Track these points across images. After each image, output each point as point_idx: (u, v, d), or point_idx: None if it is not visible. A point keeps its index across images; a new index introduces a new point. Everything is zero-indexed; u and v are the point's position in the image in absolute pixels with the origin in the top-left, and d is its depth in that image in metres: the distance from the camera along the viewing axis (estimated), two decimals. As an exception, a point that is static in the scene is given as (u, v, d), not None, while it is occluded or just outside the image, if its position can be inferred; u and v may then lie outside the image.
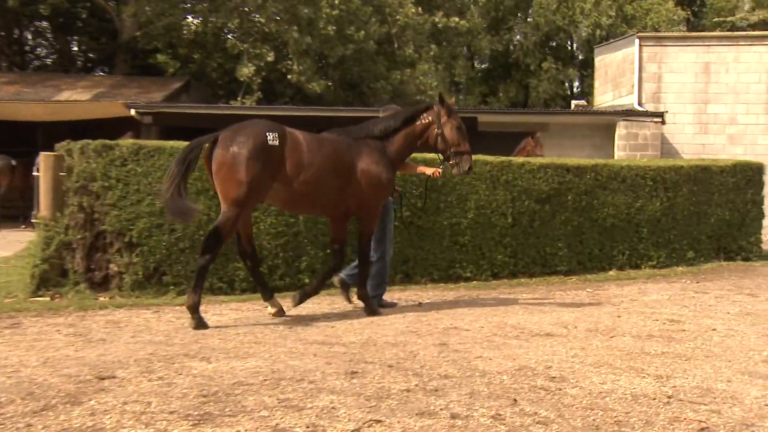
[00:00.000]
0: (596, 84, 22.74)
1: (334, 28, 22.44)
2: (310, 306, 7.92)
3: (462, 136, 7.42)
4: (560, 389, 4.70)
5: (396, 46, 25.11)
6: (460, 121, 7.49)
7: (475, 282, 9.98)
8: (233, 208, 6.47)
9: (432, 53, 26.67)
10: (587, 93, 32.51)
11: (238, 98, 22.59)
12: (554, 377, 4.97)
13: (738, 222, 12.60)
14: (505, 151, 13.76)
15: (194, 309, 6.52)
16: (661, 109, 18.50)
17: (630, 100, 19.54)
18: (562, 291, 9.36)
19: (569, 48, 36.52)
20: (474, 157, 10.32)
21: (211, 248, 6.44)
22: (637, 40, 19.46)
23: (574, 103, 22.30)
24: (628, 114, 17.83)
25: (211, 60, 25.51)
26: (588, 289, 9.51)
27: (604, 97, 21.80)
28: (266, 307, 7.72)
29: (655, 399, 4.55)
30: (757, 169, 12.96)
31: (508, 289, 9.57)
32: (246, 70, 21.99)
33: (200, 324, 6.51)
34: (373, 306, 7.41)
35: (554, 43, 35.63)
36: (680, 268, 11.68)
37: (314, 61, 23.61)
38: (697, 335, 6.53)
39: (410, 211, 9.59)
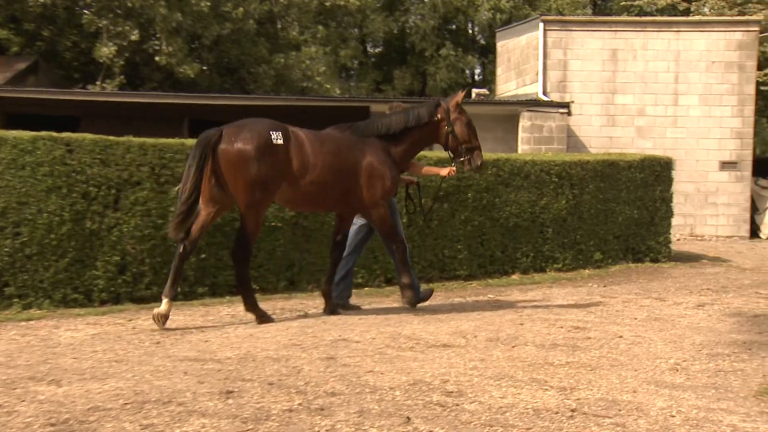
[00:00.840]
0: (498, 71, 23.32)
1: (209, 4, 22.08)
2: (181, 318, 7.76)
3: (472, 132, 8.20)
4: (457, 405, 4.79)
5: (279, 26, 24.95)
6: (469, 116, 8.25)
7: (367, 288, 10.04)
8: (252, 210, 7.28)
9: (319, 35, 26.64)
10: (489, 81, 33.31)
11: (98, 82, 21.88)
12: (451, 392, 5.06)
13: (647, 221, 13.18)
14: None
15: (256, 313, 7.47)
16: (567, 99, 19.15)
17: (534, 89, 20.14)
18: (462, 297, 9.54)
19: (470, 32, 37.29)
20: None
21: (243, 255, 7.30)
22: (541, 24, 20.07)
23: (474, 92, 22.76)
24: (533, 104, 18.38)
25: (64, 38, 24.59)
26: (489, 295, 9.73)
27: (507, 86, 22.38)
28: (136, 316, 7.51)
29: (558, 413, 4.70)
30: (666, 164, 13.58)
31: (404, 296, 9.68)
32: (106, 51, 21.33)
33: (264, 319, 7.47)
34: (415, 295, 8.04)
35: (453, 27, 36.31)
36: (587, 271, 12.13)
37: (186, 42, 23.15)
38: (603, 343, 6.78)
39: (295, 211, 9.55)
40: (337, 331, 7.08)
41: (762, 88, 24.00)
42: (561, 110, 18.28)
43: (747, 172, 19.67)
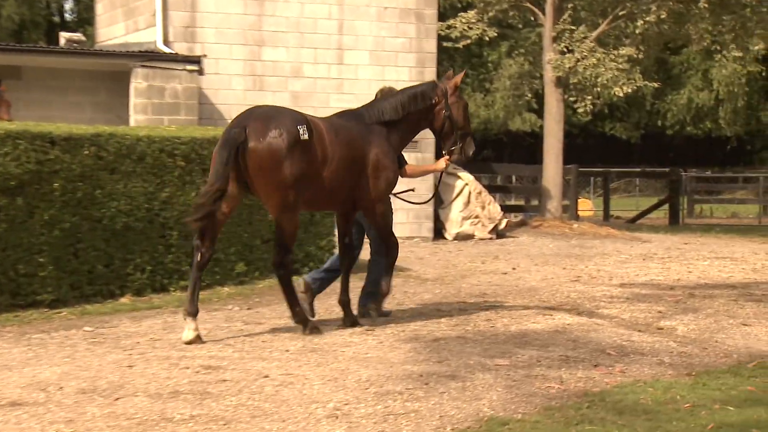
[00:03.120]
0: (99, 9, 22.92)
1: None
2: None
3: (467, 117, 10.25)
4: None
5: None
6: (465, 99, 10.29)
7: None
8: (288, 213, 9.12)
9: None
10: (86, 22, 32.69)
11: None
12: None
13: (305, 219, 13.66)
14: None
15: (305, 323, 9.36)
16: (198, 52, 19.24)
17: (152, 37, 20.01)
18: (45, 333, 9.35)
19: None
20: None
21: (283, 260, 9.17)
22: (157, -57, 19.95)
23: (64, 36, 22.17)
24: (150, 57, 18.25)
25: None
26: (87, 327, 9.60)
27: (111, 30, 22.07)
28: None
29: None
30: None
31: (-48, 334, 9.28)
32: None
33: (314, 330, 9.33)
34: (381, 308, 10.13)
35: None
36: (226, 289, 12.44)
37: None
38: (244, 386, 6.98)
39: None
40: None
41: (445, 44, 25.84)
42: (190, 67, 18.34)
43: (429, 153, 21.05)
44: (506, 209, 24.83)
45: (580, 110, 26.51)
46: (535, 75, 29.79)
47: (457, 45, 26.23)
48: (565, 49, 24.82)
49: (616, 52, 24.56)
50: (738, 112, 54.95)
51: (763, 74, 48.53)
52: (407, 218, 20.79)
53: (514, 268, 15.70)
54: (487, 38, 26.35)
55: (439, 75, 21.93)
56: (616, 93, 24.97)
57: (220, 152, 8.87)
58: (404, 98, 9.94)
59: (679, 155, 56.99)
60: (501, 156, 52.28)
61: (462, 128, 10.11)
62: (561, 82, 24.93)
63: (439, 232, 21.49)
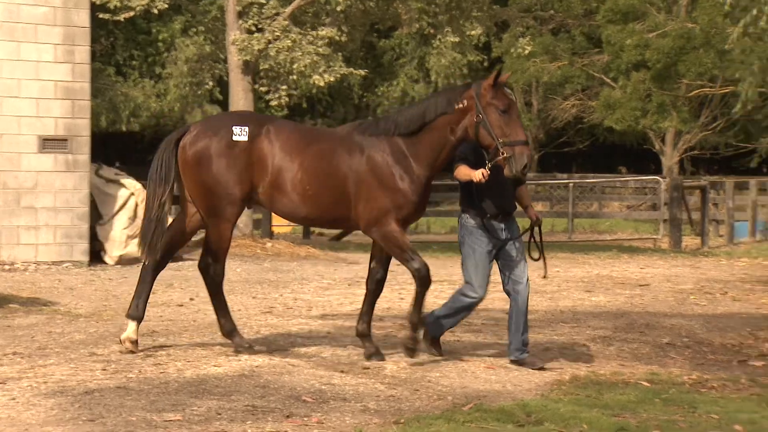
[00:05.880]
0: None
1: None
2: None
3: (512, 122, 10.14)
4: None
5: None
6: (510, 100, 10.25)
7: None
8: (213, 219, 10.55)
9: None
10: None
11: None
12: None
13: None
14: None
15: (231, 335, 11.02)
16: None
17: None
18: None
19: None
20: None
21: (209, 269, 10.83)
22: None
23: None
24: None
25: None
26: None
27: None
28: None
29: None
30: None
31: None
32: None
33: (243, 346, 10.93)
34: (373, 346, 10.75)
35: None
36: None
37: None
38: None
39: None
40: None
41: (101, 16, 25.27)
42: None
43: (84, 155, 20.51)
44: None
45: (274, 103, 26.73)
46: (217, 58, 29.70)
47: (117, 18, 25.72)
48: (253, 28, 24.95)
49: (314, 33, 24.90)
50: (458, 108, 56.96)
51: (485, 65, 50.32)
52: (54, 238, 20.21)
53: (192, 299, 15.62)
54: (156, 10, 26.01)
55: (94, 54, 21.48)
56: (316, 82, 25.37)
57: (157, 154, 10.52)
58: (421, 107, 10.56)
59: (391, 159, 58.43)
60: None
61: (504, 136, 9.98)
62: (249, 68, 25.05)
63: (97, 254, 21.02)
